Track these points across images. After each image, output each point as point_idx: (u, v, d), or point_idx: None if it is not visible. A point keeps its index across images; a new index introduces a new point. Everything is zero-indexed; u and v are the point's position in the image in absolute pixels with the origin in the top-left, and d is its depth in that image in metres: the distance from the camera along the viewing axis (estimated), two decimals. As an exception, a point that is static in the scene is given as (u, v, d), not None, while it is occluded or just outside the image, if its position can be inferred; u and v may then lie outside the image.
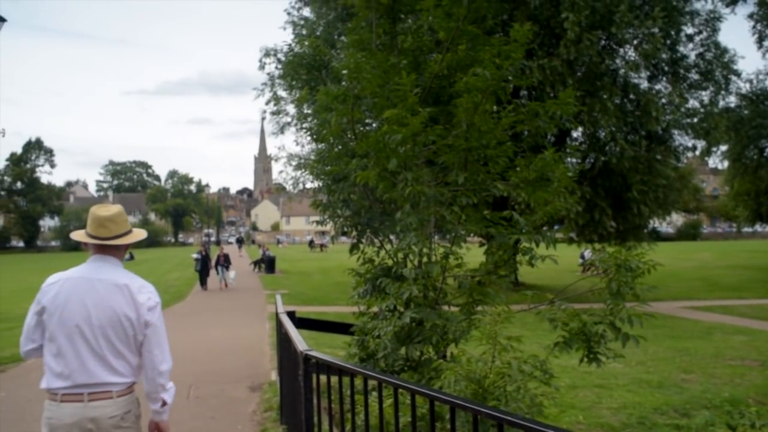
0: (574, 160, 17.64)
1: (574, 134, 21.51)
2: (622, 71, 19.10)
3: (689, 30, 20.57)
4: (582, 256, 27.87)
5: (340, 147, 6.13)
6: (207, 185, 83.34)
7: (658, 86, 20.86)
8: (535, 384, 4.16)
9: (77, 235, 3.06)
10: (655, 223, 25.24)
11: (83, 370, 2.81)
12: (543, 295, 5.35)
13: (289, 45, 14.42)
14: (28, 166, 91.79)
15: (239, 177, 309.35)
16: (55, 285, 2.93)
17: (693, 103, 20.62)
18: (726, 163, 34.55)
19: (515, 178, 5.04)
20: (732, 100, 21.51)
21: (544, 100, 5.79)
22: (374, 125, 6.55)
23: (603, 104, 17.53)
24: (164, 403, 2.99)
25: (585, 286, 5.02)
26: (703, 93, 20.81)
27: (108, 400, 2.83)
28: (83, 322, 2.83)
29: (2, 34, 9.24)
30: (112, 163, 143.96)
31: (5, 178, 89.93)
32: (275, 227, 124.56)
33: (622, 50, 19.49)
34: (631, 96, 19.50)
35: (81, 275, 2.94)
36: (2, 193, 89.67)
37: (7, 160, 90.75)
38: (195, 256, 25.11)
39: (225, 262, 23.91)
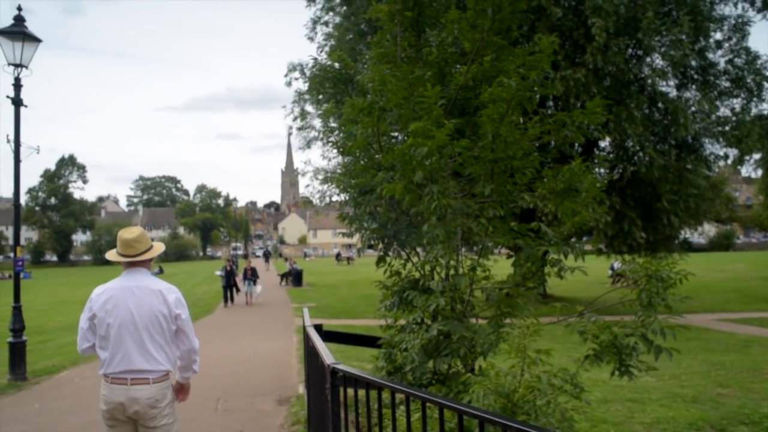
0: (602, 170, 17.44)
1: (602, 144, 21.27)
2: (649, 79, 18.86)
3: (718, 36, 20.25)
4: (612, 268, 27.48)
5: (366, 160, 6.14)
6: (235, 199, 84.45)
7: (687, 94, 20.54)
8: (566, 398, 4.09)
9: (110, 255, 3.92)
10: (686, 233, 24.78)
11: (128, 361, 3.62)
12: (572, 307, 5.27)
13: (315, 59, 14.56)
14: (62, 182, 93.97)
15: (266, 191, 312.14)
16: (102, 295, 3.73)
17: (724, 110, 20.25)
18: (759, 172, 33.78)
19: (542, 189, 4.99)
20: (765, 108, 20.99)
21: (570, 110, 5.74)
22: (400, 137, 6.55)
23: (630, 113, 17.30)
24: (193, 372, 3.90)
25: (615, 297, 4.94)
26: (735, 100, 20.43)
27: (145, 385, 3.63)
28: (128, 322, 3.63)
29: (38, 54, 9.49)
30: (142, 178, 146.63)
31: (40, 194, 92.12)
32: (302, 240, 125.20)
33: (648, 58, 19.25)
34: (659, 104, 19.23)
35: (121, 285, 3.76)
36: (37, 208, 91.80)
37: (41, 176, 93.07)
38: (219, 273, 23.92)
39: (252, 275, 23.21)
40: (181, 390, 3.96)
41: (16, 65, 9.28)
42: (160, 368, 3.68)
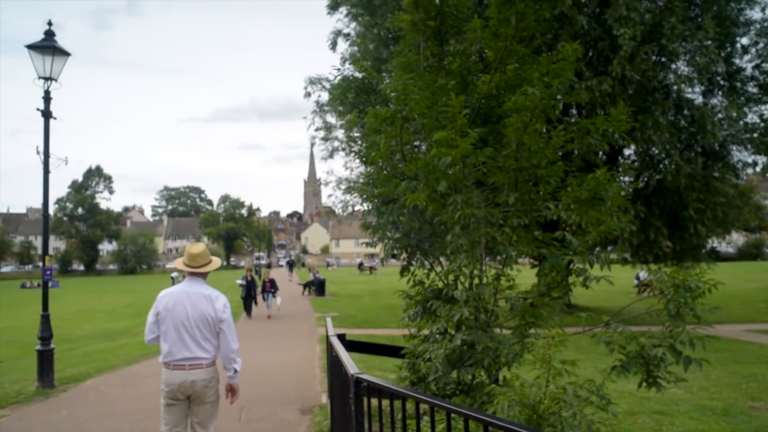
0: (627, 179, 17.21)
1: (627, 152, 21.02)
2: (674, 86, 18.62)
3: (744, 41, 19.95)
4: (637, 277, 27.08)
5: (388, 169, 6.15)
6: (258, 209, 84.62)
7: (713, 101, 20.24)
8: (592, 410, 4.03)
9: (177, 264, 4.90)
10: (713, 242, 24.34)
11: (186, 350, 4.49)
12: (598, 317, 5.20)
13: (338, 69, 14.66)
14: (89, 192, 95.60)
15: (289, 201, 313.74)
16: (165, 297, 4.62)
17: (752, 117, 19.91)
18: (789, 179, 33.08)
19: (567, 198, 4.95)
20: (794, 113, 20.54)
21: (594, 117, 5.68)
22: (423, 147, 6.55)
23: (655, 120, 17.08)
24: (235, 371, 4.67)
25: (641, 307, 4.87)
26: (763, 107, 20.08)
27: (200, 369, 4.52)
28: (185, 319, 4.51)
29: (67, 68, 9.68)
30: (166, 188, 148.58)
31: (67, 204, 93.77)
32: (325, 250, 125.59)
33: (673, 65, 19.01)
34: (685, 111, 18.96)
35: (181, 290, 4.65)
36: (64, 218, 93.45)
37: (69, 187, 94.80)
38: (240, 282, 23.21)
39: (272, 287, 22.31)
40: (231, 391, 4.75)
41: (46, 78, 9.48)
42: (210, 356, 4.58)
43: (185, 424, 4.63)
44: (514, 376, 4.42)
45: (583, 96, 6.87)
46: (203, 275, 4.77)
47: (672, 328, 4.16)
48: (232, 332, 4.65)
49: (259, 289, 23.12)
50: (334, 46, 23.96)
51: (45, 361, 9.38)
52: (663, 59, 18.64)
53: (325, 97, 22.96)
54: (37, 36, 9.54)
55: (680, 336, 4.09)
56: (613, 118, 5.04)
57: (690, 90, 19.33)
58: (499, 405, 3.72)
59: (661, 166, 19.10)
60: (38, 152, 9.57)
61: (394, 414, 3.14)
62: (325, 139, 25.13)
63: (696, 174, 18.60)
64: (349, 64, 19.78)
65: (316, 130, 24.91)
